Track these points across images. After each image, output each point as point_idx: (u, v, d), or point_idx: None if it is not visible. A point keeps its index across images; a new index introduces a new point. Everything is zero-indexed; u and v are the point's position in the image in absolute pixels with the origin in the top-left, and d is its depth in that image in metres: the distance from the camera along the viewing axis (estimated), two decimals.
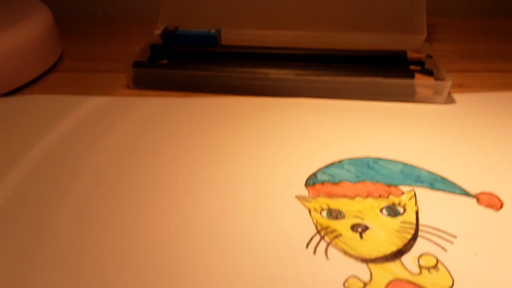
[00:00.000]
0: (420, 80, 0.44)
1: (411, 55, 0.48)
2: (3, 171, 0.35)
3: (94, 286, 0.26)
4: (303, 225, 0.30)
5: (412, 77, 0.44)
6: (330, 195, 0.32)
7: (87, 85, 0.49)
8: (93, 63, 0.55)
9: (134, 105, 0.44)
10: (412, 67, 0.48)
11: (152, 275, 0.27)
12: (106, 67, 0.53)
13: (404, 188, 0.33)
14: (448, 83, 0.43)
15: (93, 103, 0.44)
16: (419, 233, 0.29)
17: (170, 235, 0.29)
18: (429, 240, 0.29)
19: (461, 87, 0.48)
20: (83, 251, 0.28)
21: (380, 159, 0.36)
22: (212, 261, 0.28)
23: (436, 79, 0.44)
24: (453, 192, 0.33)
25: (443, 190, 0.33)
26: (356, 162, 0.36)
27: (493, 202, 0.32)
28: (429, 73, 0.45)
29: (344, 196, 0.32)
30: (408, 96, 0.44)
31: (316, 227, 0.30)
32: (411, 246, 0.28)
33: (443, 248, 0.28)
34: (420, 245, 0.28)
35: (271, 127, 0.41)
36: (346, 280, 0.26)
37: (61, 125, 0.41)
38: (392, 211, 0.31)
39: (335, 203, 0.32)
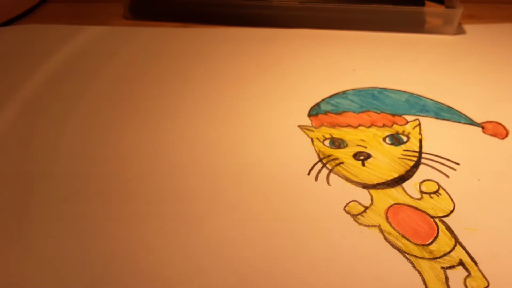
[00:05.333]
0: (430, 8, 0.42)
1: None
2: (4, 98, 0.35)
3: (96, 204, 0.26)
4: (306, 154, 0.30)
5: (422, 4, 0.42)
6: (333, 125, 0.32)
7: (82, 16, 0.47)
8: None
9: (132, 35, 0.43)
10: None
11: (154, 200, 0.27)
12: None
13: (408, 118, 0.32)
14: (459, 11, 0.41)
15: (89, 33, 0.43)
16: (422, 160, 0.29)
17: (170, 161, 0.29)
18: (432, 167, 0.29)
19: (472, 18, 0.46)
20: (85, 177, 0.28)
21: (385, 89, 0.35)
22: (218, 185, 0.28)
23: (447, 7, 0.42)
24: (458, 121, 0.32)
25: (449, 119, 0.32)
26: (360, 92, 0.35)
27: (498, 131, 0.31)
28: (439, 2, 0.43)
29: (347, 125, 0.32)
30: (417, 26, 0.43)
31: (319, 156, 0.30)
32: (413, 173, 0.28)
33: (445, 174, 0.28)
34: (422, 172, 0.28)
35: (275, 58, 0.40)
36: (346, 205, 0.26)
37: (58, 54, 0.40)
38: (396, 139, 0.31)
39: (338, 133, 0.31)
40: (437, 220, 0.25)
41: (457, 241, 0.24)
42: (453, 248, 0.24)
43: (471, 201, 0.26)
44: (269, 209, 0.26)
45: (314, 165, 0.29)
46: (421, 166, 0.29)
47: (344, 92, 0.35)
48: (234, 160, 0.29)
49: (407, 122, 0.32)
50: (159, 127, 0.32)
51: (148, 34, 0.43)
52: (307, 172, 0.29)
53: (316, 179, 0.28)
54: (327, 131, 0.32)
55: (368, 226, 0.25)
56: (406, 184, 0.27)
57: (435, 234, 0.24)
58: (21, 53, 0.40)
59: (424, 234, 0.24)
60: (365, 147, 0.30)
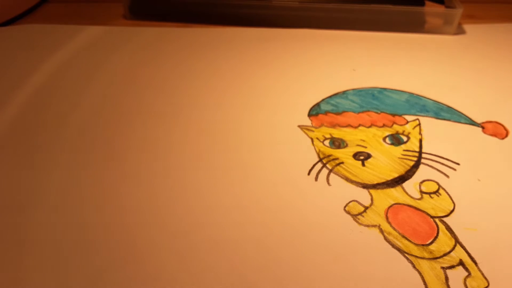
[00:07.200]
0: (430, 8, 0.42)
1: None
2: (4, 98, 0.35)
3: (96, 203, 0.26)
4: (306, 154, 0.30)
5: (422, 4, 0.42)
6: (333, 125, 0.32)
7: (82, 16, 0.47)
8: None
9: (132, 35, 0.43)
10: None
11: (153, 201, 0.27)
12: None
13: (408, 118, 0.32)
14: (459, 11, 0.41)
15: (89, 33, 0.43)
16: (422, 160, 0.29)
17: (170, 160, 0.29)
18: (432, 167, 0.29)
19: (472, 18, 0.46)
20: (85, 177, 0.28)
21: (385, 89, 0.35)
22: (218, 185, 0.28)
23: (447, 7, 0.42)
24: (458, 121, 0.32)
25: (449, 119, 0.32)
26: (360, 92, 0.35)
27: (498, 131, 0.31)
28: (439, 2, 0.43)
29: (347, 125, 0.32)
30: (417, 26, 0.43)
31: (319, 156, 0.30)
32: (413, 173, 0.28)
33: (445, 174, 0.28)
34: (422, 172, 0.28)
35: (274, 58, 0.40)
36: (346, 205, 0.26)
37: (58, 54, 0.40)
38: (396, 139, 0.31)
39: (338, 133, 0.31)
40: (437, 220, 0.25)
41: (457, 241, 0.24)
42: (453, 248, 0.24)
43: (471, 201, 0.26)
44: (269, 209, 0.26)
45: (314, 165, 0.29)
46: (421, 166, 0.29)
47: (344, 92, 0.35)
48: (234, 160, 0.29)
49: (407, 122, 0.32)
50: (160, 126, 0.32)
51: (148, 34, 0.43)
52: (307, 172, 0.29)
53: (316, 179, 0.28)
54: (327, 131, 0.32)
55: (368, 226, 0.25)
56: (406, 184, 0.27)
57: (435, 234, 0.24)
58: (21, 53, 0.40)
59: (424, 234, 0.24)
60: (365, 147, 0.30)
